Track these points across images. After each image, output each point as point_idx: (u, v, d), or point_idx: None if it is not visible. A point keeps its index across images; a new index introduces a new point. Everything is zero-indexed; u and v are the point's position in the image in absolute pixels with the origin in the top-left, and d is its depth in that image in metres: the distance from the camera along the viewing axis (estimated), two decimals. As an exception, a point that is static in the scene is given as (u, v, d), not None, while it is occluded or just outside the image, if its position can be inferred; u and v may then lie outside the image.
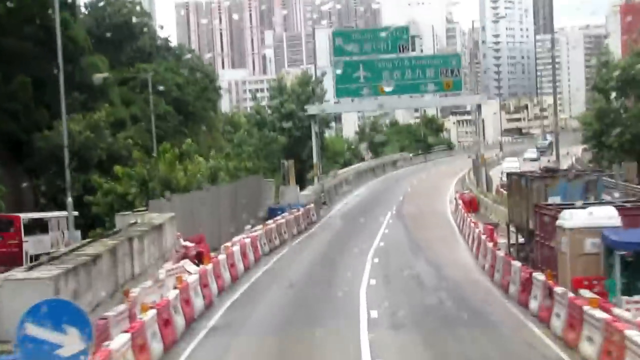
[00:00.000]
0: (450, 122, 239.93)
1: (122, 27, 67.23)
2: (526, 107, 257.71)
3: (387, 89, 57.28)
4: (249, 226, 38.76)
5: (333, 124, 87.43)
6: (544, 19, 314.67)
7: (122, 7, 66.99)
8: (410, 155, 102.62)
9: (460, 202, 49.37)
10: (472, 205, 50.57)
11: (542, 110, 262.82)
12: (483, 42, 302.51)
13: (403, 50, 57.75)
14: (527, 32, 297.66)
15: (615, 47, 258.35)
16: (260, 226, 39.00)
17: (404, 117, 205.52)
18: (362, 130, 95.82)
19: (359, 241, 39.63)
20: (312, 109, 58.30)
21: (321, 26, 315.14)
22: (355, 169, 78.83)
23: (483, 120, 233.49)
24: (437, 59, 59.74)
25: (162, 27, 77.73)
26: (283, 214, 45.26)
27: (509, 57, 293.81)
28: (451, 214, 51.47)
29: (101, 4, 67.48)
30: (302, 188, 59.76)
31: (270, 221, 41.59)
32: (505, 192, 45.08)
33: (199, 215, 35.85)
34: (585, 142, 71.80)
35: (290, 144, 64.14)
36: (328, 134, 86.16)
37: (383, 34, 57.90)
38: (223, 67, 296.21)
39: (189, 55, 76.70)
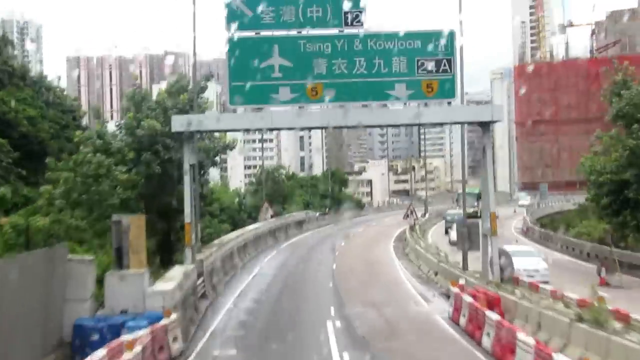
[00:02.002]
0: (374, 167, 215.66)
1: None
2: (413, 168, 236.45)
3: (326, 96, 29.60)
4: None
5: (223, 158, 59.24)
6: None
7: None
8: (317, 214, 75.27)
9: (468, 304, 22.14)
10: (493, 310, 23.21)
11: (428, 172, 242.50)
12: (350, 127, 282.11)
13: (352, 23, 30.24)
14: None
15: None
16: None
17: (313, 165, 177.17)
18: (258, 180, 66.03)
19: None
20: (179, 122, 29.45)
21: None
22: (252, 232, 50.11)
23: (371, 181, 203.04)
24: (413, 38, 30.89)
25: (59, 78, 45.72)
26: (108, 344, 16.88)
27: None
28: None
29: None
30: (165, 266, 30.69)
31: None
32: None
33: None
34: (595, 201, 44.58)
35: (153, 187, 34.66)
36: (215, 175, 58.93)
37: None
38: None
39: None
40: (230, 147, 39.13)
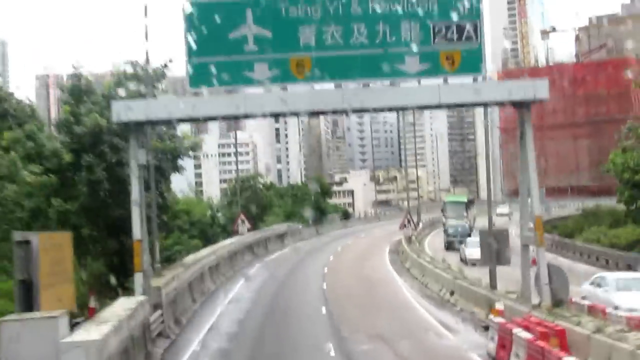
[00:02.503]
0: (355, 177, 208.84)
1: None
2: (395, 178, 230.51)
3: (315, 73, 22.59)
4: None
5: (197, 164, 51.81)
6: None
7: None
8: (300, 226, 68.10)
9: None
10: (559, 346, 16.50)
11: (411, 182, 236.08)
12: (347, 115, 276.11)
13: (346, -21, 23.35)
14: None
15: (481, 120, 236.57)
16: None
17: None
18: (232, 190, 58.09)
19: None
20: (118, 109, 22.40)
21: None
22: (227, 248, 42.60)
23: (352, 192, 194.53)
24: (426, -2, 23.77)
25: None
26: None
27: (374, 130, 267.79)
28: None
29: None
30: (115, 294, 23.45)
31: None
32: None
33: None
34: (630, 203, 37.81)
35: (100, 197, 27.20)
36: (182, 184, 51.43)
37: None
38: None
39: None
40: (194, 147, 31.89)
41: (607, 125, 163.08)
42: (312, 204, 71.43)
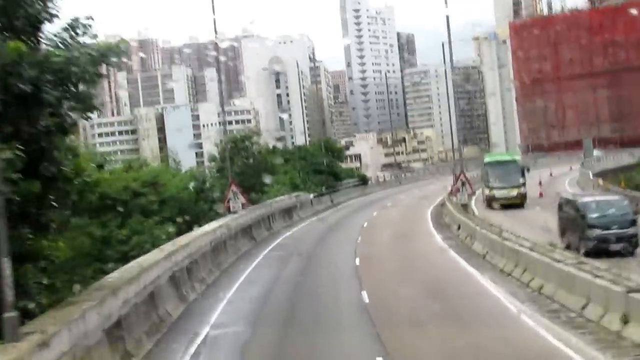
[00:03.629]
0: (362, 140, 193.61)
1: None
2: (404, 140, 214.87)
3: None
4: None
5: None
6: (408, 54, 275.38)
7: None
8: (311, 195, 52.97)
9: None
10: None
11: (420, 142, 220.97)
12: (350, 78, 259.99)
13: None
14: (393, 66, 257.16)
15: (491, 76, 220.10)
16: None
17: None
18: (222, 154, 41.66)
19: None
20: None
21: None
22: (208, 237, 27.15)
23: (360, 156, 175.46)
24: None
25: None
26: None
27: (377, 92, 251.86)
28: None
29: None
30: None
31: None
32: None
33: None
34: None
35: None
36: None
37: None
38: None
39: None
40: (114, 54, 15.98)
41: (626, 74, 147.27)
42: (324, 169, 56.30)
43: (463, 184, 34.74)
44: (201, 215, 37.25)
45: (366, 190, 66.54)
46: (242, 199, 35.49)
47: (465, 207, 34.54)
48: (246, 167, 41.95)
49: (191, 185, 41.01)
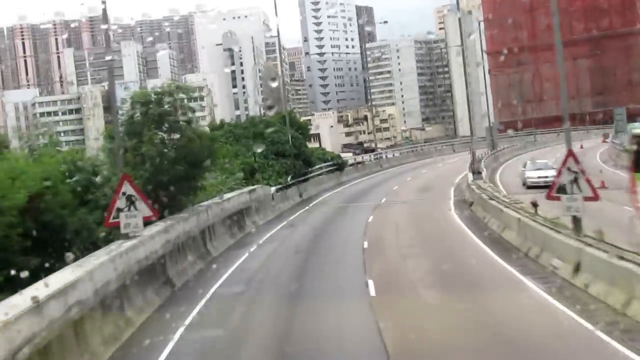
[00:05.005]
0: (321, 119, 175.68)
1: None
2: (365, 118, 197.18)
3: None
4: None
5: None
6: (368, 28, 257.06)
7: None
8: (273, 189, 34.65)
9: None
10: None
11: (383, 121, 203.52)
12: (307, 54, 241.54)
13: None
14: (352, 42, 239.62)
15: (457, 49, 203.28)
16: None
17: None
18: (128, 126, 22.73)
19: None
20: None
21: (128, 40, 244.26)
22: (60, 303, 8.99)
23: (319, 135, 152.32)
24: None
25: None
26: None
27: (336, 69, 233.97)
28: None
29: None
30: None
31: None
32: None
33: None
34: None
35: None
36: None
37: None
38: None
39: None
40: None
41: (609, 42, 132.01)
42: (291, 151, 38.08)
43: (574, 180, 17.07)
44: (74, 241, 19.18)
45: (342, 178, 48.75)
46: (144, 211, 17.53)
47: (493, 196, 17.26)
48: (168, 150, 23.71)
49: (71, 178, 22.72)
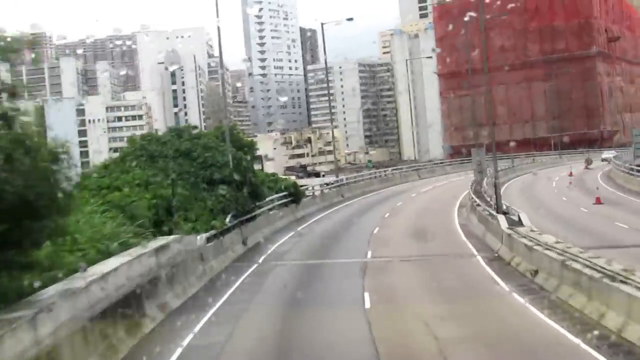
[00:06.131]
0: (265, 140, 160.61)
1: None
2: (309, 140, 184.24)
3: None
4: None
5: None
6: (311, 50, 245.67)
7: None
8: (201, 238, 21.14)
9: None
10: None
11: (327, 143, 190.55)
12: (250, 74, 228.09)
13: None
14: (295, 63, 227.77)
15: (401, 70, 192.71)
16: None
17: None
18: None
19: None
20: None
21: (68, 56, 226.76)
22: None
23: (261, 158, 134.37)
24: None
25: None
26: None
27: (279, 90, 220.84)
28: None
29: None
30: None
31: None
32: None
33: None
34: None
35: None
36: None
37: None
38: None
39: None
40: None
41: (566, 64, 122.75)
42: (232, 179, 24.29)
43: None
44: None
45: (298, 213, 35.17)
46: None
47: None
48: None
49: None
